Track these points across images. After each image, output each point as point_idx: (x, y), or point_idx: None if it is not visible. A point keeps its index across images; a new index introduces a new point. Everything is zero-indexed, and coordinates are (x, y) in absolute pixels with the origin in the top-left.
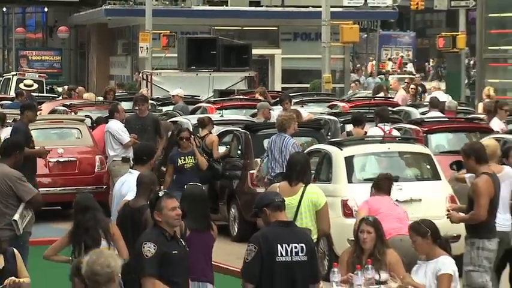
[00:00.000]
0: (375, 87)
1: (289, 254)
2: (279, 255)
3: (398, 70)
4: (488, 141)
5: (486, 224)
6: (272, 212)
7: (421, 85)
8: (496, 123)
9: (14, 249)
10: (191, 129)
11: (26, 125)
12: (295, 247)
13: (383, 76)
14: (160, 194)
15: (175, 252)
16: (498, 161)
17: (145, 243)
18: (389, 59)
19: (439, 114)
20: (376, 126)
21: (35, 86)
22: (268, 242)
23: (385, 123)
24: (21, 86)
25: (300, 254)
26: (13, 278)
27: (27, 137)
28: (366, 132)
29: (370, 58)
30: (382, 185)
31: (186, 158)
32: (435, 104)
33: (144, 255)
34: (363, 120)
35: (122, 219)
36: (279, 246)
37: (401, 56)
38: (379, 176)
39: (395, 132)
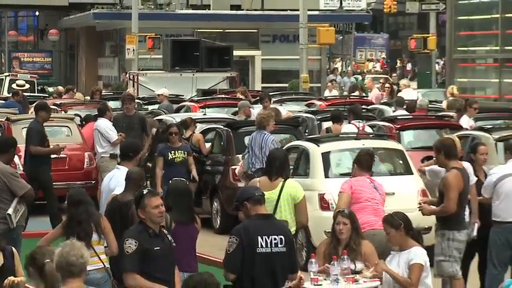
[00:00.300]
0: (350, 87)
1: (269, 246)
2: (259, 246)
3: (381, 70)
4: (448, 135)
5: (456, 216)
6: (252, 206)
7: (397, 84)
8: (466, 121)
9: (13, 248)
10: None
11: (40, 124)
12: (275, 239)
13: (359, 76)
14: (145, 191)
15: (158, 248)
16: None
17: (127, 240)
18: (370, 60)
19: (405, 112)
20: (349, 123)
21: (27, 86)
22: (249, 234)
23: (359, 120)
24: (14, 86)
25: (279, 246)
26: (12, 277)
27: (42, 136)
28: None
29: (352, 58)
30: (363, 160)
31: (176, 152)
32: (400, 102)
33: (125, 251)
34: (342, 117)
35: (110, 213)
36: (259, 238)
37: (383, 58)
38: (360, 152)
39: (367, 129)
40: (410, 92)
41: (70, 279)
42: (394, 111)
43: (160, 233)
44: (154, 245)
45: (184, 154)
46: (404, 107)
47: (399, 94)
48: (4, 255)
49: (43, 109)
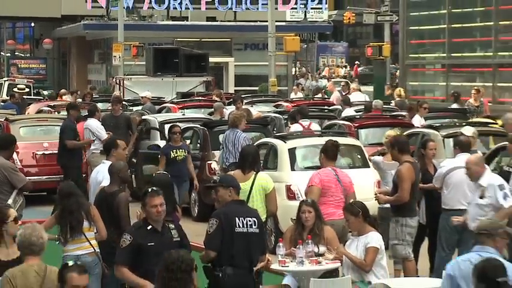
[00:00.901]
0: (314, 89)
1: (245, 226)
2: (237, 226)
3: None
4: (389, 132)
5: (408, 204)
6: (234, 193)
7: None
8: (417, 120)
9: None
10: (157, 126)
11: (72, 121)
12: (250, 220)
13: (326, 80)
14: (149, 190)
15: (152, 244)
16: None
17: (124, 235)
18: (344, 66)
19: (352, 110)
20: (297, 122)
21: (27, 89)
22: (228, 216)
23: (305, 119)
24: (15, 89)
25: (254, 227)
26: None
27: (74, 132)
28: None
29: (325, 63)
30: (329, 150)
31: (178, 151)
32: (347, 102)
33: (120, 245)
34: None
35: (98, 202)
36: (237, 219)
37: (357, 63)
38: (327, 143)
39: (314, 126)
40: (359, 94)
41: (31, 256)
42: (342, 110)
43: (163, 229)
44: (149, 240)
45: (185, 152)
46: (355, 107)
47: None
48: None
49: (73, 108)
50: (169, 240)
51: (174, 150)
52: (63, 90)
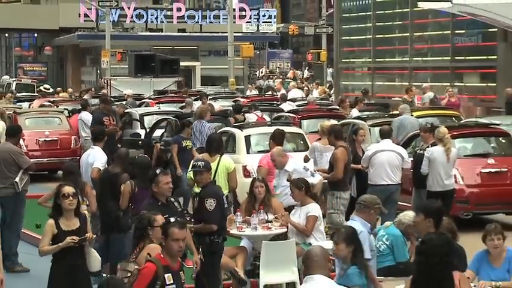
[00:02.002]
0: (265, 88)
1: (226, 203)
2: (225, 203)
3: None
4: (324, 122)
5: (342, 181)
6: (209, 174)
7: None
8: (355, 112)
9: (86, 214)
10: (138, 117)
11: (102, 113)
12: (224, 198)
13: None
14: (158, 171)
15: (166, 216)
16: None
17: (141, 213)
18: (298, 69)
19: (287, 104)
20: (251, 113)
21: (51, 90)
22: (219, 195)
23: (257, 111)
24: (42, 88)
25: (226, 202)
26: (90, 233)
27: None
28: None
29: (291, 68)
30: (277, 137)
31: (187, 141)
32: (284, 98)
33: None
34: (241, 110)
35: (103, 180)
36: (224, 197)
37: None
38: (275, 131)
39: (265, 117)
40: (297, 91)
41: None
42: (279, 104)
43: (168, 202)
44: (163, 213)
45: (191, 143)
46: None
47: (288, 93)
48: (80, 220)
49: (104, 102)
50: (175, 210)
51: (184, 140)
52: (59, 89)
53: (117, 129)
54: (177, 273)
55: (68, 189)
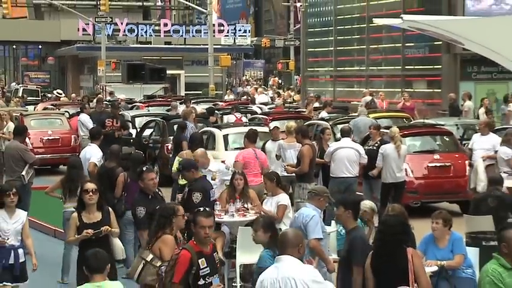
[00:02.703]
0: (241, 93)
1: (213, 196)
2: (212, 196)
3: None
4: (289, 123)
5: (308, 174)
6: (197, 172)
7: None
8: (325, 114)
9: (109, 208)
10: (130, 119)
11: (106, 115)
12: (212, 191)
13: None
14: (144, 168)
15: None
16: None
17: (138, 208)
18: (271, 77)
19: (255, 107)
20: (231, 114)
21: (63, 94)
22: (205, 190)
23: (237, 113)
24: (55, 92)
25: (213, 195)
26: (107, 226)
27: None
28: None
29: (272, 76)
30: (251, 136)
31: None
32: (253, 101)
33: (138, 216)
34: (214, 113)
35: (101, 174)
36: (211, 191)
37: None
38: (249, 131)
39: (243, 119)
40: (263, 96)
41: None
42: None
43: (155, 195)
44: (153, 205)
45: None
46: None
47: (256, 97)
48: (102, 213)
49: (112, 107)
50: (162, 200)
51: None
52: (73, 95)
53: (121, 130)
54: (210, 257)
55: (90, 185)
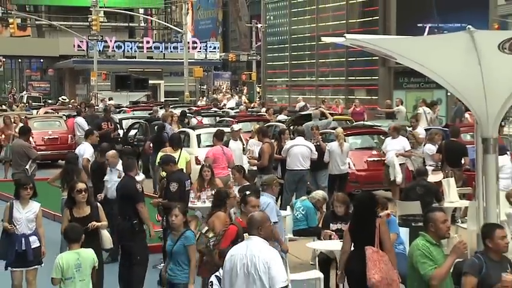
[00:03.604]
0: (211, 99)
1: (188, 186)
2: (187, 186)
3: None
4: (256, 125)
5: (267, 167)
6: (174, 165)
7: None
8: (282, 117)
9: (98, 203)
10: (117, 121)
11: (101, 119)
12: (188, 182)
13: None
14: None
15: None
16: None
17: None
18: (237, 87)
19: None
20: (194, 117)
21: (67, 100)
22: (181, 180)
23: (198, 116)
24: (60, 99)
25: (188, 185)
26: (94, 222)
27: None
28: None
29: (243, 85)
30: (218, 135)
31: None
32: (216, 105)
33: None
34: (186, 116)
35: (94, 170)
36: (186, 182)
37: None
38: (217, 131)
39: (204, 121)
40: (232, 101)
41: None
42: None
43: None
44: None
45: None
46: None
47: (225, 102)
48: (91, 208)
49: (105, 111)
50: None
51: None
52: (63, 97)
53: (115, 131)
54: None
55: (81, 185)
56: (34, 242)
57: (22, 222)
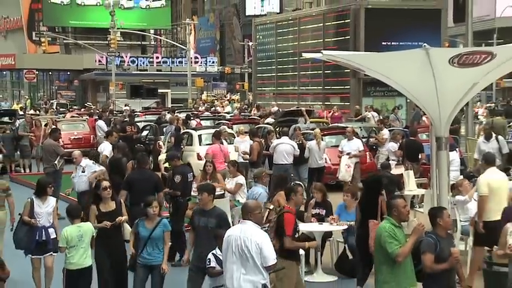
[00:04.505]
0: (208, 106)
1: (191, 178)
2: (189, 178)
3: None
4: (240, 127)
5: (257, 162)
6: (178, 160)
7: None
8: (270, 120)
9: (121, 199)
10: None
11: (126, 122)
12: (190, 175)
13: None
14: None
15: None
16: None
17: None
18: (233, 94)
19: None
20: (194, 120)
21: (93, 106)
22: (184, 173)
23: (197, 119)
24: (86, 104)
25: (191, 177)
26: (120, 217)
27: (125, 130)
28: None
29: (237, 93)
30: (216, 135)
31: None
32: (207, 110)
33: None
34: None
35: (111, 163)
36: (188, 174)
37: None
38: (215, 131)
39: (204, 123)
40: (228, 107)
41: None
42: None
43: None
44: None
45: None
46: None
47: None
48: (115, 203)
49: (129, 117)
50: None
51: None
52: (89, 103)
53: (137, 134)
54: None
55: (106, 183)
56: (52, 233)
57: (43, 215)
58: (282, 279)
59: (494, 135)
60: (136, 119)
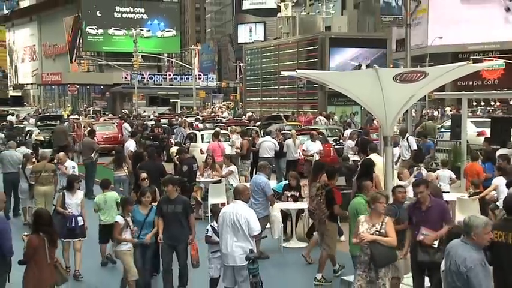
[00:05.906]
0: (209, 113)
1: (195, 168)
2: (194, 168)
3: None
4: (233, 127)
5: (246, 155)
6: (185, 154)
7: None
8: (258, 123)
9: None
10: (150, 126)
11: (156, 125)
12: (195, 165)
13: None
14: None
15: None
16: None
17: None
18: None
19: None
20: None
21: (127, 112)
22: (190, 164)
23: (197, 121)
24: (123, 111)
25: (195, 167)
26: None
27: (153, 131)
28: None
29: (233, 102)
30: (215, 134)
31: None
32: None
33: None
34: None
35: (134, 157)
36: (194, 165)
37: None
38: (214, 132)
39: (201, 125)
40: (225, 113)
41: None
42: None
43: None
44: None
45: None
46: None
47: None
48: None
49: (156, 121)
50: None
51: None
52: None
53: (164, 134)
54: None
55: (144, 175)
56: (80, 221)
57: (72, 206)
58: (330, 235)
59: (407, 135)
60: (153, 122)
